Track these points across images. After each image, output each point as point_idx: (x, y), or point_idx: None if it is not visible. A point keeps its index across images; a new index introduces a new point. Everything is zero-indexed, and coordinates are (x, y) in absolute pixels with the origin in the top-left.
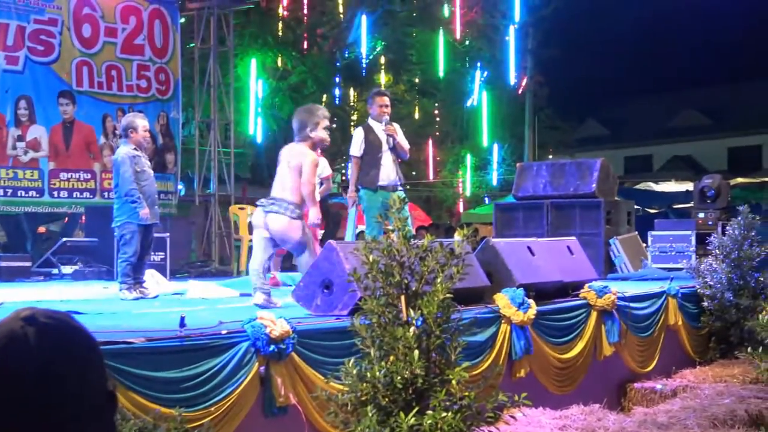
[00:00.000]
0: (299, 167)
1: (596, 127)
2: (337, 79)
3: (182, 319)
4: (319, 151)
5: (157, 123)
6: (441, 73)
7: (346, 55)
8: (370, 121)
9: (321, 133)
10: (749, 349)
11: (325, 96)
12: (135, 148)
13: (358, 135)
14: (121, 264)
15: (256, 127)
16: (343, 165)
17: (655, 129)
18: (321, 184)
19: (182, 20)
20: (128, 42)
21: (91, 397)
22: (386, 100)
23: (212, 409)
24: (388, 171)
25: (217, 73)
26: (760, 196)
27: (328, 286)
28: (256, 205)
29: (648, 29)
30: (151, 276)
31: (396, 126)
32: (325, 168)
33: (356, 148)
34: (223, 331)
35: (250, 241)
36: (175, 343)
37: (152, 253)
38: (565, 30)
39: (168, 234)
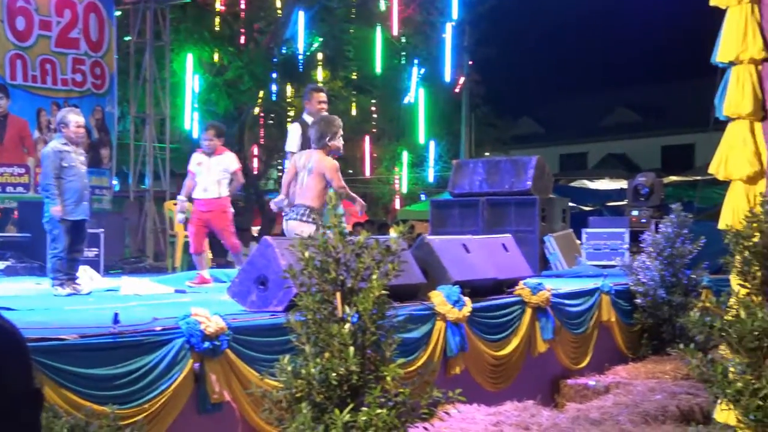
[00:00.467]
0: (322, 174)
1: (532, 125)
2: (274, 75)
3: (116, 315)
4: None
5: (93, 117)
6: (378, 70)
7: (283, 51)
8: (306, 117)
9: (338, 142)
10: (681, 346)
11: (261, 92)
12: (65, 143)
13: (294, 131)
14: (51, 260)
15: (192, 123)
16: (279, 161)
17: (589, 127)
18: (231, 180)
19: (118, 14)
20: (63, 35)
21: (3, 397)
22: (324, 96)
23: (146, 406)
24: None
25: (153, 67)
26: (692, 195)
27: (264, 283)
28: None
29: (583, 28)
30: (84, 272)
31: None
32: (232, 162)
33: (293, 144)
34: (158, 328)
35: (186, 237)
36: (109, 340)
37: (86, 249)
38: (501, 28)
39: (102, 230)
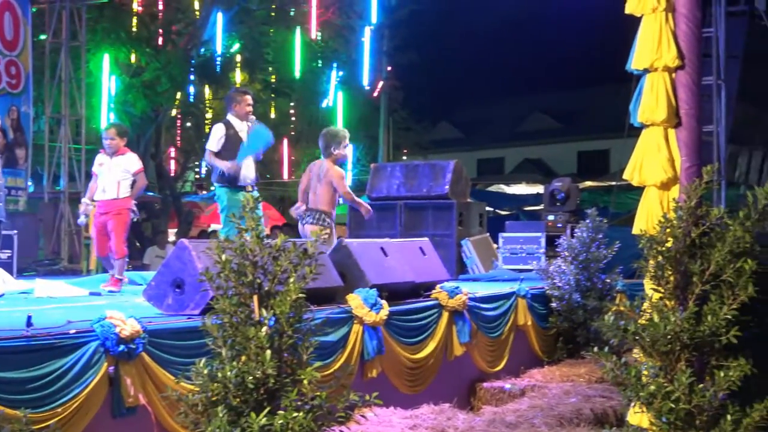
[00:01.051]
0: (330, 182)
1: (450, 129)
2: (192, 77)
3: (29, 318)
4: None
5: (8, 117)
6: (297, 74)
7: (202, 53)
8: (231, 118)
9: (342, 151)
10: (595, 349)
11: (179, 93)
12: None
13: (218, 130)
14: None
15: (108, 124)
16: (196, 163)
17: (506, 132)
18: (134, 181)
19: (33, 10)
20: None
21: None
22: (251, 99)
23: (59, 410)
24: (249, 170)
25: (69, 67)
26: (607, 200)
27: (180, 286)
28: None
29: (501, 34)
30: None
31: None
32: (133, 163)
33: (214, 143)
34: (72, 331)
35: None
36: (21, 343)
37: None
38: (420, 33)
39: (15, 231)
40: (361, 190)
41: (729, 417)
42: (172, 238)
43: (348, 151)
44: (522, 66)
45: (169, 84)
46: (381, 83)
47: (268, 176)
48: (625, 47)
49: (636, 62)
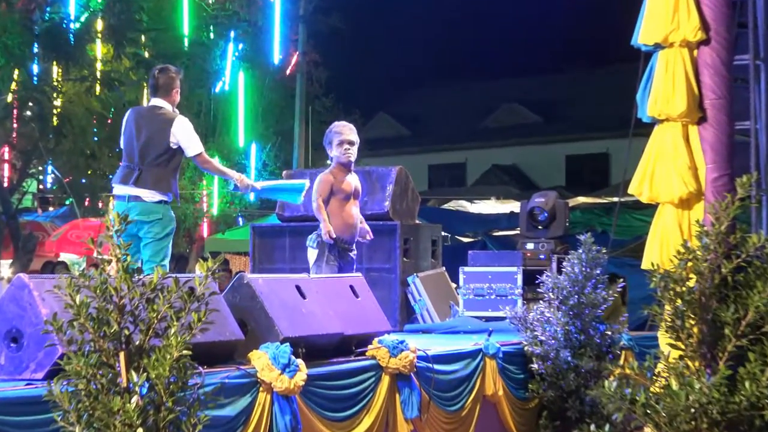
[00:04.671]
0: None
1: (391, 124)
2: (35, 50)
3: None
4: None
5: None
6: (186, 46)
7: (47, 18)
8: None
9: (336, 150)
10: (592, 428)
11: (17, 72)
12: None
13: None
14: None
15: None
16: (40, 169)
17: (468, 129)
18: None
19: None
20: None
21: None
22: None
23: None
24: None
25: None
26: (606, 222)
27: (16, 339)
28: None
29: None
30: None
31: None
32: None
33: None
34: None
35: None
36: None
37: None
38: None
39: None
40: (268, 207)
41: None
42: (5, 272)
43: (341, 150)
44: (489, 41)
45: (3, 59)
46: (296, 59)
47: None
48: (629, 15)
49: (645, 35)
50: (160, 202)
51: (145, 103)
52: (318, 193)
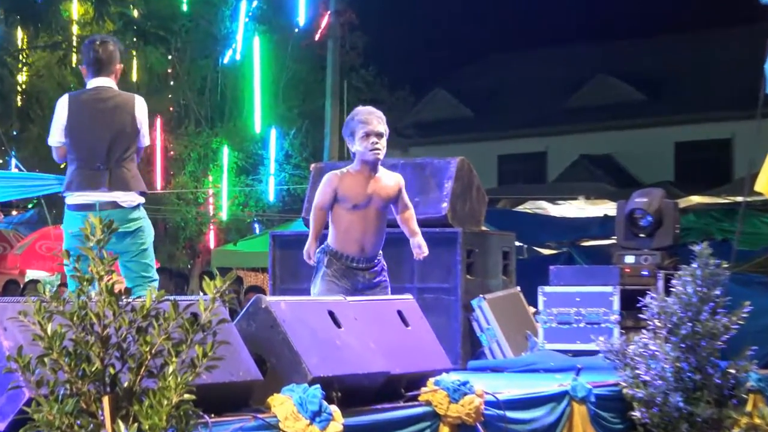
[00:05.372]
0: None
1: (450, 103)
2: None
3: None
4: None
5: None
6: (184, 6)
7: None
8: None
9: (359, 144)
10: None
11: None
12: None
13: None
14: None
15: None
16: (1, 161)
17: (549, 108)
18: None
19: None
20: None
21: None
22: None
23: None
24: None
25: None
26: (729, 228)
27: None
28: None
29: None
30: None
31: None
32: None
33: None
34: None
35: None
36: None
37: None
38: None
39: None
40: (294, 210)
41: None
42: None
43: (367, 144)
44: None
45: None
46: (327, 20)
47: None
48: None
49: None
50: (138, 205)
51: (134, 77)
52: (319, 196)
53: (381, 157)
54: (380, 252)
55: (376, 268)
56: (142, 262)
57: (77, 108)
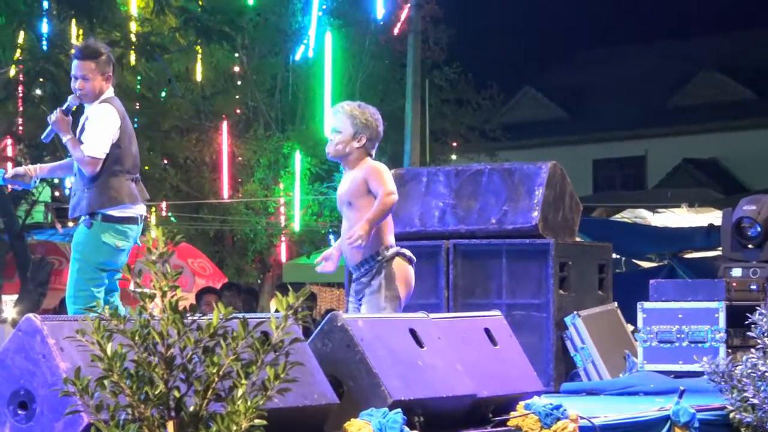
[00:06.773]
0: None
1: (541, 103)
2: (46, 5)
3: None
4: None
5: None
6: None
7: None
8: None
9: (373, 147)
10: None
11: (22, 35)
12: None
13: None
14: None
15: None
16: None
17: (649, 108)
18: None
19: None
20: None
21: None
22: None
23: None
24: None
25: None
26: None
27: (26, 404)
28: None
29: None
30: None
31: None
32: None
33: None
34: None
35: None
36: None
37: None
38: None
39: None
40: None
41: None
42: (9, 312)
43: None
44: None
45: (3, 18)
46: (407, 13)
47: (187, 191)
48: None
49: None
50: None
51: (198, 77)
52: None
53: (332, 153)
54: (370, 257)
55: (363, 279)
56: None
57: (123, 117)
